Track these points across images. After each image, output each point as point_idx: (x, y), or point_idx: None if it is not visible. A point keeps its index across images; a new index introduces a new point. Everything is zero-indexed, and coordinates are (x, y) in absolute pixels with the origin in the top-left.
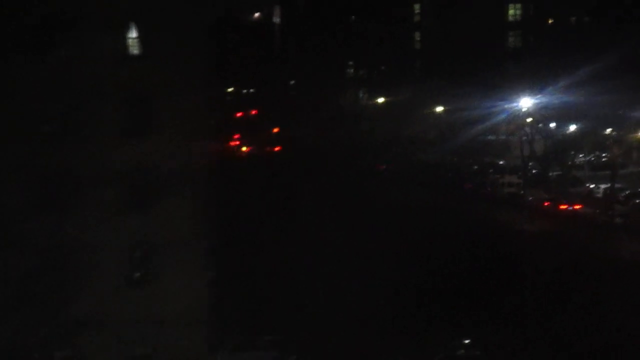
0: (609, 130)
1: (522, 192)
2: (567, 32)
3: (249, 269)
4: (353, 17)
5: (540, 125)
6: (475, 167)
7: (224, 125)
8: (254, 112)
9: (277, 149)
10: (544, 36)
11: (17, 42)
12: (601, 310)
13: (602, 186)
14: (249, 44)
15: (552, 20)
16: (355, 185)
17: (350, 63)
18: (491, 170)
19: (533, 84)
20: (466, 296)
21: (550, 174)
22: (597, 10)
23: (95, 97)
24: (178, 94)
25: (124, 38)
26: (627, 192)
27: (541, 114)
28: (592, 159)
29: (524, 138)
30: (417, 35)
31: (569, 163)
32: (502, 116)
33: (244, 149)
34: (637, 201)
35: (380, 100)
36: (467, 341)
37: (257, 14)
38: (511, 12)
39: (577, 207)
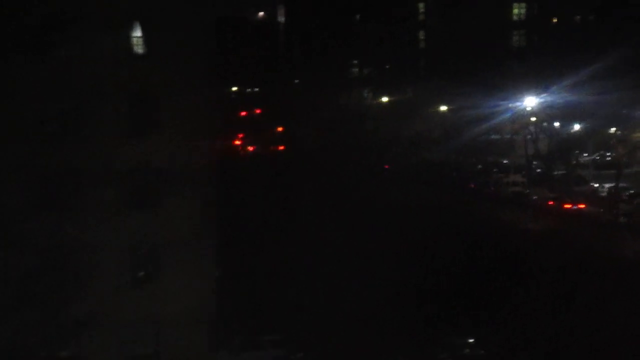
0: (613, 129)
1: (526, 191)
2: (571, 31)
3: (251, 268)
4: (357, 16)
5: (544, 124)
6: (480, 166)
7: (227, 124)
8: (257, 111)
9: (281, 148)
10: (549, 35)
11: (18, 41)
12: (605, 310)
13: (607, 185)
14: (253, 43)
15: (557, 20)
16: (359, 185)
17: (355, 62)
18: (495, 169)
19: (537, 83)
20: (469, 295)
21: (555, 173)
22: (601, 9)
23: (98, 96)
24: (181, 93)
25: (126, 37)
26: (631, 191)
27: (545, 113)
28: (597, 158)
29: (529, 137)
30: (422, 34)
31: (574, 162)
32: (507, 115)
33: (247, 148)
34: None
35: (385, 99)
36: (471, 340)
37: (261, 13)
38: (515, 11)
39: (581, 206)
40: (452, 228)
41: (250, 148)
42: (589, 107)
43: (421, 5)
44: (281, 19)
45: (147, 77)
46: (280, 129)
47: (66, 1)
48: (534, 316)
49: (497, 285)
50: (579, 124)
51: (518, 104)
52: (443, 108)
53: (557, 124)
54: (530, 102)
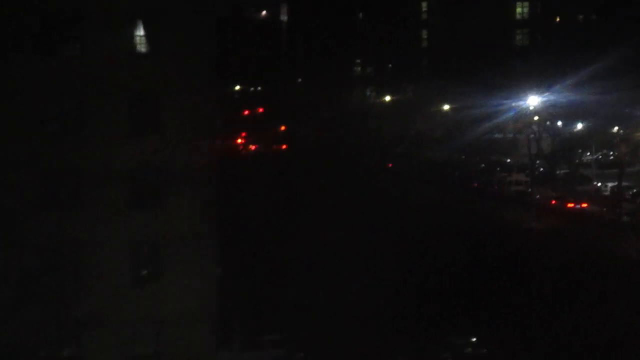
0: (616, 129)
1: (529, 190)
2: (574, 30)
3: (252, 268)
4: (360, 15)
5: (547, 123)
6: (483, 165)
7: (230, 123)
8: (260, 110)
9: (283, 147)
10: (552, 34)
11: (21, 40)
12: (608, 309)
13: (610, 184)
14: (256, 42)
15: (560, 19)
16: (361, 184)
17: (357, 61)
18: (498, 169)
19: (540, 82)
20: (471, 295)
21: (558, 172)
22: (604, 9)
23: (99, 96)
24: (183, 92)
25: (129, 36)
26: (634, 190)
27: (548, 112)
28: (600, 157)
29: (532, 136)
30: (425, 34)
31: (577, 161)
32: (509, 114)
33: (250, 146)
34: None
35: (387, 98)
36: (473, 339)
37: (264, 12)
38: (519, 10)
39: (584, 205)
40: (455, 227)
41: (253, 147)
42: (592, 106)
43: (424, 5)
44: (284, 18)
45: (148, 77)
46: (282, 128)
47: (67, 0)
48: (536, 315)
49: (499, 284)
50: (582, 123)
51: (521, 103)
52: (446, 107)
53: (560, 123)
54: (533, 101)
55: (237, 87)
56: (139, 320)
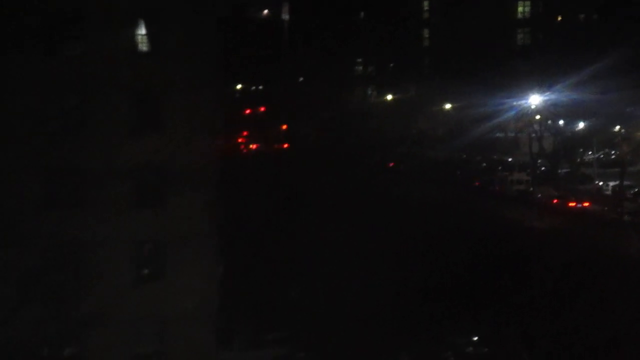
0: (617, 128)
1: (530, 189)
2: (576, 29)
3: (253, 267)
4: (361, 14)
5: (549, 122)
6: (484, 164)
7: (232, 122)
8: (262, 109)
9: (285, 146)
10: (553, 33)
11: (24, 40)
12: (609, 308)
13: (611, 183)
14: (258, 41)
15: (561, 18)
16: (363, 183)
17: (359, 60)
18: (500, 168)
19: (542, 81)
20: (473, 294)
21: (559, 171)
22: (605, 8)
23: (103, 94)
24: (185, 91)
25: (130, 36)
26: (636, 190)
27: (550, 111)
28: (601, 156)
29: (533, 135)
30: (426, 33)
31: (578, 160)
32: (511, 113)
33: (252, 146)
34: None
35: (389, 97)
36: (475, 338)
37: (265, 11)
38: (520, 9)
39: (585, 204)
40: (456, 226)
41: (254, 146)
42: (594, 105)
43: (425, 4)
44: (285, 17)
45: (150, 76)
46: (284, 127)
47: (68, 0)
48: (538, 314)
49: (501, 283)
50: (584, 122)
51: (522, 102)
52: (447, 106)
53: (561, 122)
54: (534, 100)
55: (239, 86)
56: (140, 319)
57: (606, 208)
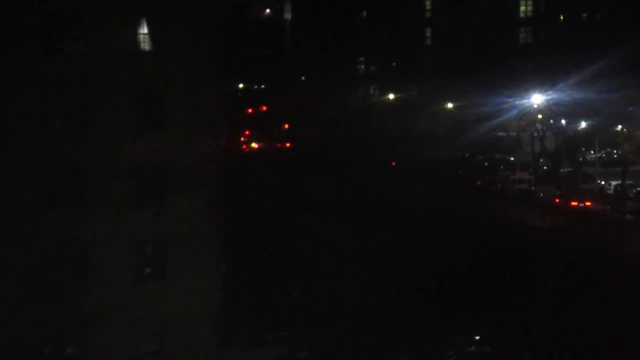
0: (620, 127)
1: (532, 188)
2: (578, 28)
3: (255, 266)
4: (364, 13)
5: (551, 121)
6: (486, 163)
7: (233, 121)
8: (264, 108)
9: (287, 145)
10: (555, 33)
11: (24, 39)
12: (611, 307)
13: (613, 183)
14: (260, 40)
15: (564, 17)
16: (364, 183)
17: (361, 59)
18: (502, 167)
19: (544, 81)
20: (474, 293)
21: (561, 170)
22: (607, 7)
23: (103, 94)
24: (186, 90)
25: (132, 35)
26: (638, 189)
27: (552, 111)
28: (603, 155)
29: (535, 134)
30: (428, 32)
31: (580, 159)
32: (513, 112)
33: (254, 145)
34: None
35: (391, 96)
36: (477, 338)
37: (267, 10)
38: (522, 8)
39: (587, 203)
40: (458, 226)
41: (256, 145)
42: (596, 104)
43: (427, 3)
44: (287, 16)
45: (152, 75)
46: (286, 126)
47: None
48: (540, 314)
49: (503, 282)
50: (586, 121)
51: (524, 101)
52: (449, 105)
53: (563, 122)
54: (536, 99)
55: (241, 86)
56: (140, 319)
57: (608, 207)
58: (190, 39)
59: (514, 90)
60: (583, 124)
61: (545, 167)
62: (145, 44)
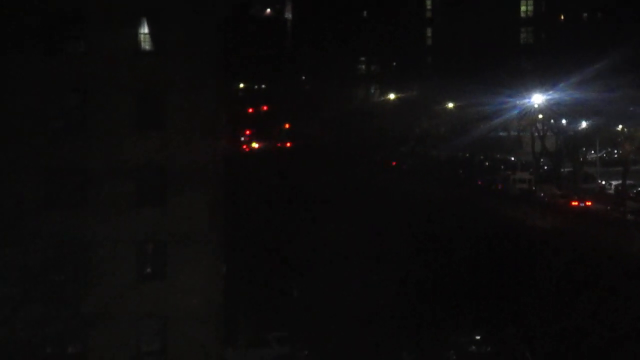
0: (620, 127)
1: (533, 188)
2: (579, 28)
3: (258, 265)
4: (364, 13)
5: (551, 121)
6: (487, 163)
7: (234, 121)
8: (265, 108)
9: (288, 144)
10: (556, 32)
11: (24, 39)
12: (612, 307)
13: (614, 182)
14: (260, 40)
15: (564, 17)
16: (365, 182)
17: (362, 59)
18: (502, 167)
19: (545, 80)
20: (476, 292)
21: (562, 170)
22: (608, 7)
23: (103, 94)
24: (189, 89)
25: (133, 34)
26: (638, 189)
27: (553, 110)
28: (604, 155)
29: (536, 134)
30: (429, 32)
31: (581, 159)
32: (514, 112)
33: (254, 144)
34: None
35: (392, 96)
36: (477, 337)
37: (268, 10)
38: (523, 8)
39: (588, 203)
40: (458, 225)
41: (257, 145)
42: (596, 104)
43: (428, 3)
44: (288, 15)
45: (153, 75)
46: (287, 125)
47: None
48: (540, 313)
49: (503, 282)
50: (586, 121)
51: (525, 101)
52: (450, 105)
53: (564, 121)
54: (537, 99)
55: (241, 85)
56: (142, 318)
57: (609, 207)
58: (190, 38)
59: (514, 90)
60: (584, 124)
61: (545, 167)
62: (145, 44)
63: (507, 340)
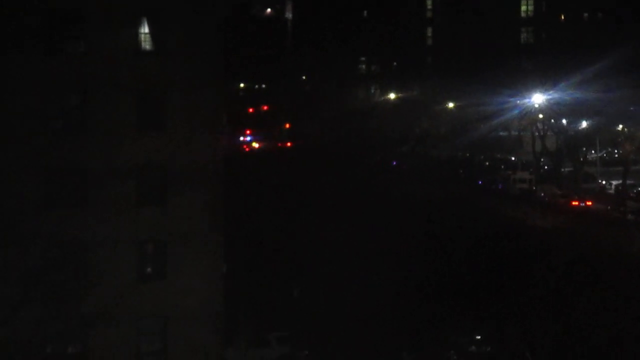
0: (621, 127)
1: (534, 188)
2: (579, 28)
3: (258, 265)
4: (365, 13)
5: (552, 121)
6: (487, 163)
7: (235, 121)
8: (265, 108)
9: (288, 144)
10: (556, 32)
11: (24, 39)
12: (612, 307)
13: (614, 182)
14: (261, 39)
15: (564, 17)
16: (365, 182)
17: (362, 59)
18: (503, 166)
19: (545, 80)
20: (476, 292)
21: (562, 170)
22: (608, 7)
23: (103, 94)
24: (189, 89)
25: (132, 35)
26: (639, 189)
27: (553, 110)
28: (604, 155)
29: (536, 134)
30: (429, 31)
31: (581, 159)
32: (514, 112)
33: (255, 144)
34: None
35: (392, 96)
36: (477, 337)
37: (269, 10)
38: (523, 8)
39: (588, 203)
40: (459, 225)
41: (258, 145)
42: (597, 104)
43: (428, 3)
44: (289, 15)
45: (153, 75)
46: (287, 125)
47: None
48: (541, 313)
49: (504, 282)
50: (587, 120)
51: (526, 100)
52: (450, 105)
53: (564, 121)
54: (537, 99)
55: (242, 85)
56: (144, 317)
57: (609, 207)
58: (190, 38)
59: (515, 89)
60: (584, 124)
61: (546, 167)
62: (145, 44)
63: (507, 340)
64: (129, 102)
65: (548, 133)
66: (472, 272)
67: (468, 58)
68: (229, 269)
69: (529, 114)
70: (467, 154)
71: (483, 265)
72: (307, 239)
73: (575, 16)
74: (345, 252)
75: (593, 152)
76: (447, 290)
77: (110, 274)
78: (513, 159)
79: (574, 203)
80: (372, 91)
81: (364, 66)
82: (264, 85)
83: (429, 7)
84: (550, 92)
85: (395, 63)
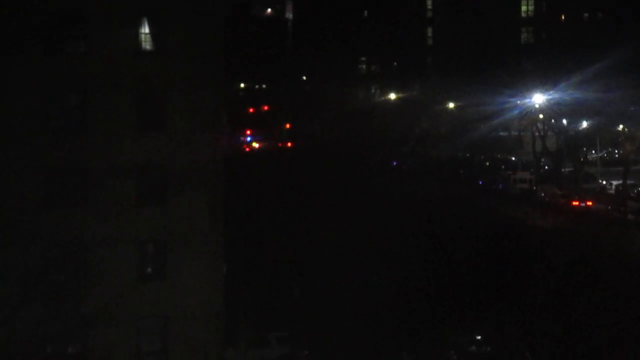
0: (621, 127)
1: (534, 188)
2: (579, 28)
3: (259, 265)
4: (365, 13)
5: (552, 121)
6: (487, 163)
7: (235, 121)
8: (265, 108)
9: (288, 144)
10: (557, 32)
11: (24, 39)
12: (613, 307)
13: (615, 182)
14: (261, 39)
15: (565, 17)
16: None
17: (362, 59)
18: (503, 167)
19: (545, 80)
20: (477, 292)
21: (563, 170)
22: (609, 7)
23: (104, 94)
24: (189, 89)
25: (132, 35)
26: (639, 189)
27: (553, 110)
28: (605, 155)
29: (536, 134)
30: (430, 31)
31: (582, 159)
32: (515, 112)
33: (255, 144)
34: None
35: (392, 96)
36: (478, 337)
37: (269, 10)
38: (524, 8)
39: (589, 203)
40: (459, 225)
41: (258, 144)
42: (597, 104)
43: (428, 3)
44: (289, 15)
45: (154, 74)
46: (287, 125)
47: None
48: (541, 313)
49: (504, 282)
50: (587, 121)
51: (526, 100)
52: (450, 105)
53: (565, 121)
54: (538, 99)
55: (242, 85)
56: (144, 317)
57: (609, 207)
58: (190, 38)
59: (515, 89)
60: (584, 124)
61: (546, 167)
62: (145, 44)
63: (507, 340)
64: (129, 102)
65: (548, 133)
66: (472, 272)
67: (468, 58)
68: (229, 269)
69: (529, 114)
70: (468, 154)
71: (483, 266)
72: (307, 239)
73: (575, 16)
74: (345, 252)
75: (593, 152)
76: (447, 290)
77: (110, 274)
78: (513, 159)
79: (574, 203)
80: (372, 91)
81: (364, 66)
82: (264, 85)
83: (429, 7)
84: (551, 92)
85: (395, 63)
